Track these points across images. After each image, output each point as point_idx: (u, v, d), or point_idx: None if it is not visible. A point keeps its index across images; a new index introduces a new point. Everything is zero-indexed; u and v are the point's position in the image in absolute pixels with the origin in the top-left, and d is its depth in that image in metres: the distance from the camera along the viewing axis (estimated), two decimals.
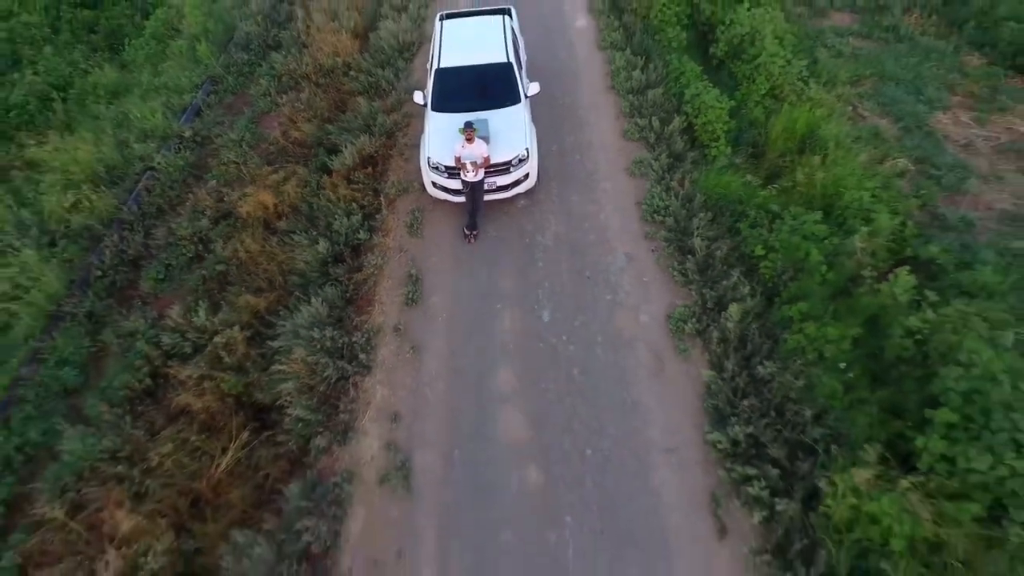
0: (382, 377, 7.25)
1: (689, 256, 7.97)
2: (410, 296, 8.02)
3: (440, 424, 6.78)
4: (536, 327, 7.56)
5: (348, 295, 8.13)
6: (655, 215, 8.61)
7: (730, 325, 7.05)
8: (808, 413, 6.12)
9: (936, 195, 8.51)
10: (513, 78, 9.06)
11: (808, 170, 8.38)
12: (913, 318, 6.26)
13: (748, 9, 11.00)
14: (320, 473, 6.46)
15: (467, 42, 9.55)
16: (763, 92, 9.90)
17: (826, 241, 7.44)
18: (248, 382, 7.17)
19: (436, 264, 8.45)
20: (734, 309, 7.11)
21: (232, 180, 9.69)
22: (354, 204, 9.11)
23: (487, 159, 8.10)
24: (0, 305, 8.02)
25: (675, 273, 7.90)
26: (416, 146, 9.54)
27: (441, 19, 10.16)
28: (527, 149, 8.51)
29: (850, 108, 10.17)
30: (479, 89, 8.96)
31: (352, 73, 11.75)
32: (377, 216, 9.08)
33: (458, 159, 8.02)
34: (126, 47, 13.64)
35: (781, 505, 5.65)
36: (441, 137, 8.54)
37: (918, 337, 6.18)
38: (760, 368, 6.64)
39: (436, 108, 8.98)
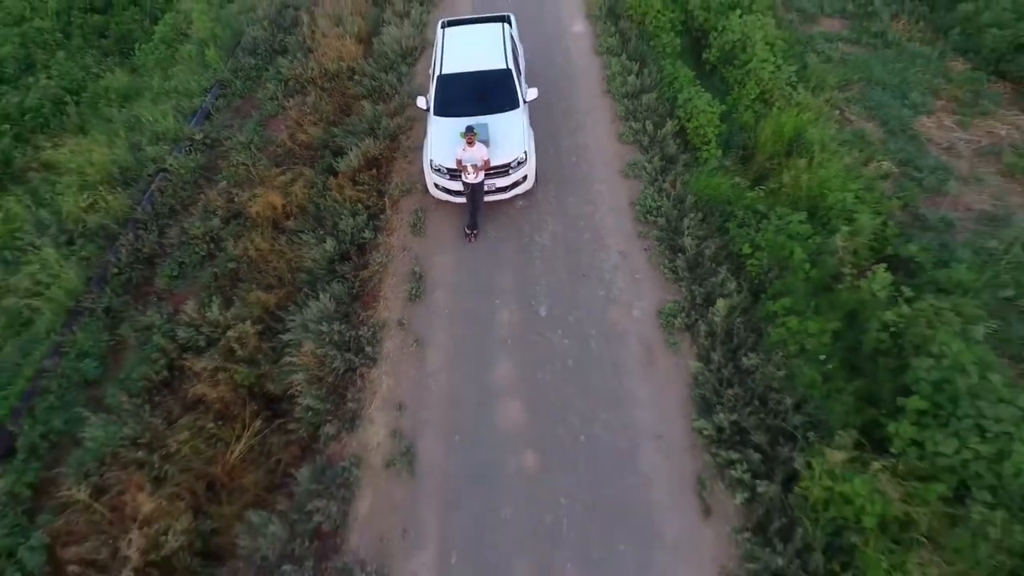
0: (387, 368, 7.64)
1: (680, 254, 8.34)
2: (413, 292, 8.40)
3: (442, 412, 7.17)
4: (533, 321, 7.93)
5: (354, 291, 8.51)
6: (648, 215, 8.99)
7: (717, 320, 7.43)
8: (789, 402, 6.51)
9: (918, 196, 8.87)
10: (512, 84, 9.43)
11: (794, 172, 8.74)
12: (889, 313, 6.61)
13: (740, 16, 11.35)
14: (329, 458, 6.84)
15: (468, 49, 9.92)
16: (753, 97, 10.25)
17: (810, 240, 7.80)
18: (260, 374, 7.55)
19: (438, 262, 8.83)
20: (721, 304, 7.48)
21: (242, 181, 10.06)
22: (359, 204, 9.48)
23: (487, 162, 8.47)
24: (23, 301, 8.41)
25: (666, 270, 8.28)
26: (419, 149, 9.93)
27: (443, 26, 10.51)
28: (525, 152, 8.89)
29: (838, 112, 10.53)
30: (479, 95, 9.33)
31: (356, 77, 12.11)
32: (381, 216, 9.46)
33: (459, 162, 8.40)
34: (136, 52, 14.04)
35: (762, 487, 6.03)
36: (443, 141, 8.92)
37: (893, 330, 6.53)
38: (745, 360, 7.02)
39: (438, 113, 9.36)
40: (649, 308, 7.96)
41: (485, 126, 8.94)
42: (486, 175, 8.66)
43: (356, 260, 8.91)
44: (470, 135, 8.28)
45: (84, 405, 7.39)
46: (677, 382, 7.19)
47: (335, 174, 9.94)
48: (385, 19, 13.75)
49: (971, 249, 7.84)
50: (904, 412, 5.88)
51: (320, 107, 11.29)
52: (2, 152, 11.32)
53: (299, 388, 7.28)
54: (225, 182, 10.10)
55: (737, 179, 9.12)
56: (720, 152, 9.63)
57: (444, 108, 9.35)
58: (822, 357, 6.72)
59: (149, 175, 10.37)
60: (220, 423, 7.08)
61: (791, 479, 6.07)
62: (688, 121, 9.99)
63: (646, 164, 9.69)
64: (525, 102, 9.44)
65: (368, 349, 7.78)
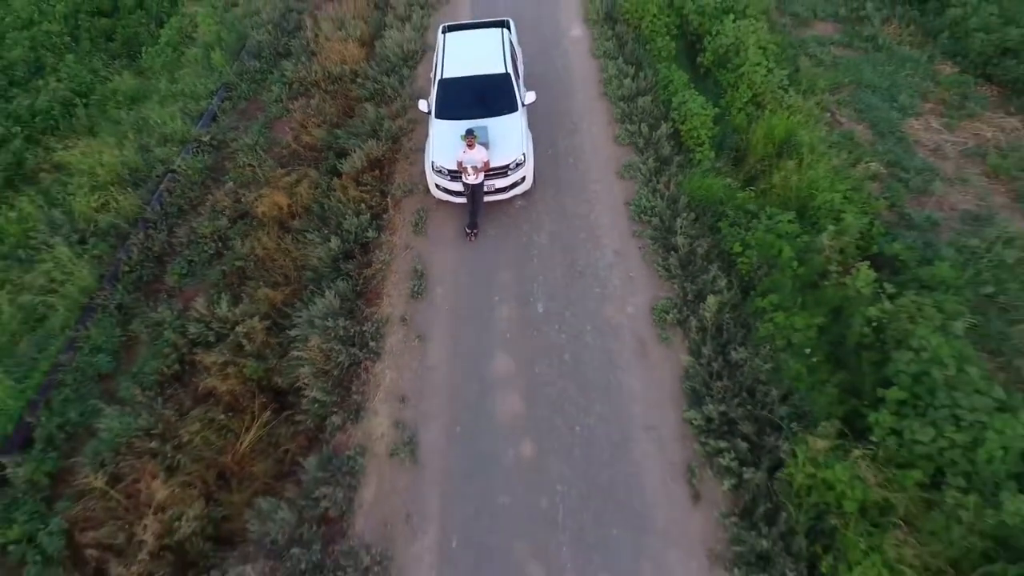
0: (390, 362, 7.93)
1: (673, 253, 8.62)
2: (416, 289, 8.68)
3: (443, 404, 7.46)
4: (531, 317, 8.22)
5: (358, 288, 8.80)
6: (642, 215, 9.27)
7: (708, 315, 7.71)
8: (775, 393, 6.80)
9: (904, 196, 9.15)
10: (511, 88, 9.71)
11: (784, 173, 9.02)
12: (872, 308, 6.88)
13: (733, 20, 11.62)
14: (335, 448, 7.13)
15: (468, 54, 10.19)
16: (746, 100, 10.51)
17: (798, 239, 8.08)
18: (268, 367, 7.84)
19: (439, 260, 9.12)
20: (712, 301, 7.77)
21: (248, 182, 10.34)
22: (363, 204, 9.76)
23: (487, 163, 8.76)
24: (38, 298, 8.69)
25: (659, 268, 8.56)
26: (420, 150, 10.21)
27: (443, 31, 10.78)
28: (524, 154, 9.17)
29: (828, 114, 10.81)
30: (479, 98, 9.60)
31: (359, 80, 12.37)
32: (384, 216, 9.75)
33: (460, 163, 8.68)
34: (143, 55, 14.28)
35: (748, 474, 6.31)
36: (444, 143, 9.20)
37: (876, 325, 6.81)
38: (734, 354, 7.30)
39: (439, 116, 9.63)
40: (643, 304, 8.24)
41: (485, 129, 9.21)
42: (486, 176, 8.93)
43: (360, 258, 9.18)
44: (470, 138, 8.56)
45: (99, 398, 7.69)
46: (669, 375, 7.47)
47: (339, 175, 10.22)
48: (387, 23, 14.01)
49: (954, 247, 8.12)
50: (884, 403, 6.17)
51: (324, 109, 11.55)
52: (14, 153, 11.62)
53: (306, 381, 7.56)
54: (232, 183, 10.38)
55: (729, 180, 9.40)
56: (713, 154, 9.90)
57: (445, 111, 9.63)
58: (807, 351, 7.01)
59: (158, 176, 10.64)
60: (230, 415, 7.37)
61: (776, 466, 6.34)
62: (682, 123, 10.27)
63: (641, 165, 9.96)
64: (524, 105, 9.72)
65: (372, 344, 8.06)
